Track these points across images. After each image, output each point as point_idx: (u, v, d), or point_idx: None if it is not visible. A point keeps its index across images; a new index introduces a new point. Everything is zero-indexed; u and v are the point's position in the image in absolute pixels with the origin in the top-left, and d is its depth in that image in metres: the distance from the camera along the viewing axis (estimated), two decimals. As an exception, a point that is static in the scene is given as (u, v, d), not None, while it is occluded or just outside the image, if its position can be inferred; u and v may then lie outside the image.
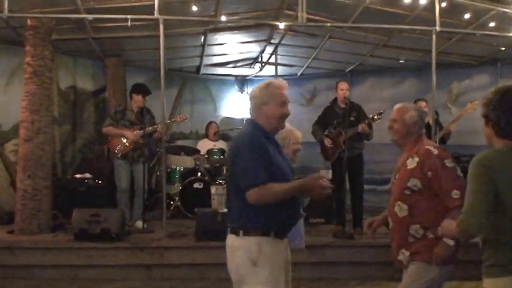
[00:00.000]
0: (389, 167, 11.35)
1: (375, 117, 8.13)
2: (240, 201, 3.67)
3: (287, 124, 5.16)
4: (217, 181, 9.35)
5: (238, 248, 3.71)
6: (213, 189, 8.57)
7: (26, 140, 8.06)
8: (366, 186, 8.89)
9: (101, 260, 7.30)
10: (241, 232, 3.69)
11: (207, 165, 9.90)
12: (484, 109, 3.22)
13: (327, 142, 8.32)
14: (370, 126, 8.15)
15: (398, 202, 4.11)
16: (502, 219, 3.04)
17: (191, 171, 9.89)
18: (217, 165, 9.87)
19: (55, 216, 8.45)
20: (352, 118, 8.21)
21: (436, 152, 4.08)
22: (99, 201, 8.55)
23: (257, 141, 3.68)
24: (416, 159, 4.11)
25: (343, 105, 8.35)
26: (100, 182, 9.19)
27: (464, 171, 9.45)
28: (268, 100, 3.77)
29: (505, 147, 3.14)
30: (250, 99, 3.88)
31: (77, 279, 7.37)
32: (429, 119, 8.65)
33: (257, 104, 3.82)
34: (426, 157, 4.06)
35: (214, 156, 9.91)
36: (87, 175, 9.36)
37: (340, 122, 8.29)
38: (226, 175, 9.65)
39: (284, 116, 3.84)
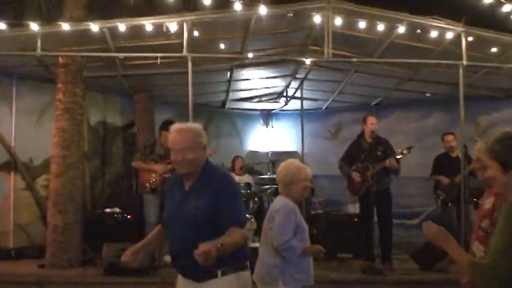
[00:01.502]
0: (418, 201, 11.41)
1: (404, 151, 8.10)
2: None
3: (294, 160, 5.20)
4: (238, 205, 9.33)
5: None
6: (241, 224, 8.56)
7: (57, 175, 8.19)
8: (394, 221, 8.81)
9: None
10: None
11: (234, 200, 9.92)
12: (503, 157, 3.04)
13: (356, 176, 8.30)
14: (398, 161, 8.12)
15: (476, 242, 3.87)
16: None
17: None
18: (244, 199, 9.87)
19: (84, 251, 8.51)
20: (379, 153, 8.20)
21: None
22: (128, 235, 8.57)
23: (165, 186, 4.10)
24: (493, 200, 3.87)
25: (370, 140, 8.35)
26: (129, 216, 9.26)
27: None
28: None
29: None
30: None
31: (106, 314, 7.42)
32: (458, 153, 8.65)
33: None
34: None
35: (241, 191, 9.93)
36: (117, 209, 9.43)
37: (367, 157, 8.28)
38: (252, 209, 9.68)
39: (174, 163, 3.79)
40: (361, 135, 8.56)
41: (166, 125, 8.88)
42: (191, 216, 3.63)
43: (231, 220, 3.61)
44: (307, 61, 8.79)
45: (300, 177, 4.80)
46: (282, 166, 4.93)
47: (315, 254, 4.87)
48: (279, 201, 4.91)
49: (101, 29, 7.44)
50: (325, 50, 7.80)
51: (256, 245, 8.11)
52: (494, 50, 8.29)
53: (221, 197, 3.63)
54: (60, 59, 8.25)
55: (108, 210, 9.53)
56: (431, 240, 3.25)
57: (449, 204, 8.99)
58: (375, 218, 8.51)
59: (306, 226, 4.84)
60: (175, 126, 3.85)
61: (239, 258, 3.66)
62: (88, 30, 7.45)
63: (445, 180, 9.02)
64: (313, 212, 10.25)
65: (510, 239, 2.88)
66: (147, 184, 8.51)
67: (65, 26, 7.35)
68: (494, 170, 3.08)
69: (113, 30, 7.56)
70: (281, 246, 4.60)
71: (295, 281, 4.67)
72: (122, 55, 8.25)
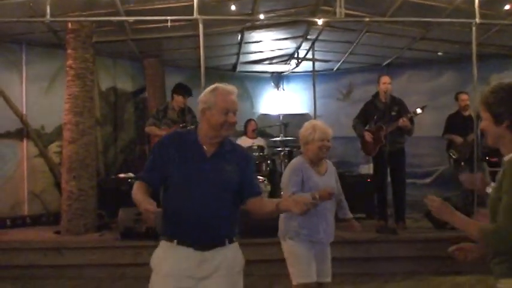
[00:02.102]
0: (429, 161, 11.41)
1: (417, 110, 8.05)
2: None
3: (316, 120, 5.19)
4: (258, 178, 9.36)
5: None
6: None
7: (71, 142, 8.22)
8: (407, 180, 8.81)
9: (148, 258, 7.26)
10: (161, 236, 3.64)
11: (247, 163, 9.91)
12: (496, 108, 2.98)
13: (368, 137, 8.28)
14: (411, 121, 8.08)
15: None
16: None
17: (231, 169, 9.91)
18: (257, 162, 9.87)
19: (100, 216, 8.59)
20: (393, 113, 8.13)
21: None
22: (143, 200, 8.62)
23: (163, 140, 3.70)
24: None
25: (384, 100, 8.30)
26: (143, 181, 9.27)
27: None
28: (212, 106, 3.54)
29: None
30: (198, 103, 3.67)
31: (124, 278, 7.48)
32: (471, 112, 8.60)
33: (201, 108, 3.61)
34: None
35: (254, 154, 9.90)
36: (130, 174, 9.47)
37: (381, 117, 8.23)
38: (266, 172, 9.68)
39: (227, 124, 3.54)
40: (376, 96, 8.49)
41: (178, 89, 8.88)
42: (224, 181, 3.58)
43: (257, 190, 3.79)
44: (319, 21, 8.69)
45: (315, 136, 4.80)
46: (303, 126, 4.98)
47: (324, 198, 4.70)
48: (294, 159, 5.10)
49: (110, -8, 7.38)
50: (337, 10, 7.74)
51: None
52: (507, 7, 8.18)
53: (248, 168, 3.73)
54: (70, 25, 8.21)
55: (122, 175, 9.58)
56: (435, 215, 3.14)
57: (462, 163, 8.99)
58: (389, 178, 8.51)
59: (321, 185, 4.79)
60: (226, 88, 3.58)
61: (239, 227, 3.73)
62: (97, -5, 7.39)
63: (458, 139, 9.01)
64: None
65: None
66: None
67: (74, -9, 7.29)
68: (488, 122, 3.03)
69: (123, -6, 7.50)
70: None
71: (299, 236, 4.77)
72: (131, 19, 8.19)
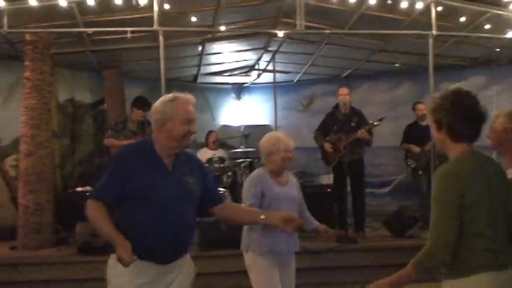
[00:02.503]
0: (387, 170, 11.53)
1: (375, 123, 8.17)
2: None
3: (277, 132, 5.21)
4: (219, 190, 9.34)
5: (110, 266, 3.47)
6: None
7: (27, 155, 8.06)
8: (365, 190, 8.92)
9: (106, 272, 7.26)
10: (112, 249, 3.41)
11: (208, 174, 9.87)
12: (436, 115, 3.09)
13: (328, 147, 8.37)
14: (370, 132, 8.19)
15: None
16: (472, 226, 2.94)
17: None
18: (218, 173, 9.85)
19: (57, 231, 8.42)
20: (353, 124, 8.24)
21: None
22: (101, 213, 8.51)
23: (122, 155, 3.51)
24: None
25: (344, 111, 8.39)
26: (101, 194, 9.14)
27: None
28: (173, 116, 3.46)
29: (466, 154, 3.05)
30: (153, 113, 3.57)
31: (82, 293, 7.37)
32: (428, 122, 8.72)
33: (159, 118, 3.51)
34: None
35: (215, 165, 9.88)
36: (88, 188, 9.32)
37: (341, 128, 8.33)
38: (226, 183, 9.67)
39: (189, 134, 3.51)
40: (336, 107, 8.60)
41: (137, 102, 8.80)
42: (188, 193, 3.54)
43: (221, 197, 3.87)
44: (280, 33, 8.76)
45: (279, 148, 4.82)
46: (264, 138, 4.98)
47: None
48: (254, 172, 5.09)
49: (69, 3, 7.28)
50: (298, 22, 7.78)
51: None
52: (462, 19, 8.32)
53: (207, 176, 3.77)
54: (27, 36, 8.07)
55: (79, 189, 9.42)
56: None
57: (420, 172, 9.14)
58: (348, 188, 8.60)
59: (279, 194, 4.85)
60: (185, 98, 3.52)
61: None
62: (56, 6, 7.28)
63: (415, 148, 9.18)
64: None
65: (438, 210, 2.96)
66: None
67: (32, 2, 7.15)
68: (433, 128, 3.14)
69: (81, 5, 7.41)
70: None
71: (261, 247, 4.73)
72: (90, 30, 8.12)
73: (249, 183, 4.90)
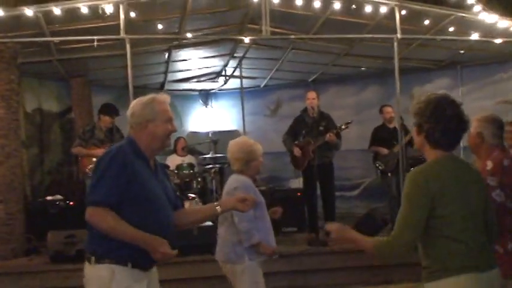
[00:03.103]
0: (357, 173, 11.67)
1: (343, 126, 8.25)
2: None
3: (246, 137, 5.24)
4: (189, 196, 9.37)
5: (91, 278, 3.32)
6: (186, 204, 8.59)
7: (-3, 165, 8.01)
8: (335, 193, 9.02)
9: (79, 280, 7.10)
10: (93, 259, 3.29)
11: (178, 181, 9.86)
12: (417, 118, 3.15)
13: (297, 151, 8.43)
14: (338, 135, 8.26)
15: None
16: (448, 229, 3.01)
17: (162, 188, 9.87)
18: (187, 179, 9.87)
19: (28, 240, 8.38)
20: (321, 127, 8.31)
21: None
22: (72, 222, 8.44)
23: (121, 157, 3.33)
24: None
25: (312, 115, 8.46)
26: (72, 203, 9.13)
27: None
28: (155, 117, 3.47)
29: (443, 158, 3.12)
30: (131, 117, 3.53)
31: (55, 302, 7.33)
32: (395, 124, 8.88)
33: (140, 121, 3.48)
34: None
35: (184, 171, 9.90)
36: (59, 197, 9.29)
37: (309, 132, 8.39)
38: (196, 189, 9.70)
39: (170, 133, 3.55)
40: (305, 111, 8.66)
41: (105, 109, 8.81)
42: (169, 197, 3.57)
43: (181, 203, 3.90)
44: (246, 39, 8.80)
45: (257, 153, 4.87)
46: (237, 145, 4.93)
47: (274, 215, 5.01)
48: (236, 180, 4.92)
49: (35, 13, 7.23)
50: (263, 28, 7.85)
51: (203, 224, 8.18)
52: (426, 22, 8.46)
53: (170, 181, 3.82)
54: (-7, 46, 8.04)
55: (50, 198, 9.37)
56: (336, 240, 3.39)
57: (389, 174, 9.24)
58: (318, 191, 8.67)
59: (263, 201, 4.90)
60: (163, 98, 3.56)
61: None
62: (21, 15, 7.25)
63: (383, 150, 9.25)
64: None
65: (405, 207, 3.04)
66: (88, 170, 8.40)
67: (-2, 12, 7.15)
68: (414, 130, 3.23)
69: (48, 14, 7.36)
70: (243, 229, 4.68)
71: (260, 255, 4.76)
72: (57, 39, 8.07)
73: (246, 192, 4.73)
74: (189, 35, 8.68)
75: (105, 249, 3.27)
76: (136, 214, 3.29)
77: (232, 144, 4.96)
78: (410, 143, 8.90)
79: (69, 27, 8.00)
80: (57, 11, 7.26)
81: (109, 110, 8.73)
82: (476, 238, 3.04)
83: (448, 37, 8.75)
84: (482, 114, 4.27)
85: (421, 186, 3.00)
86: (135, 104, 3.55)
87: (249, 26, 8.93)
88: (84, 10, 7.33)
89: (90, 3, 7.32)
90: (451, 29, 8.60)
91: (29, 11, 7.21)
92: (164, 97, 3.58)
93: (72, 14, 7.45)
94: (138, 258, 3.29)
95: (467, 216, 3.02)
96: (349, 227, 3.34)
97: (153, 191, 3.41)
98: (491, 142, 4.21)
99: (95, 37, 7.80)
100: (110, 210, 3.22)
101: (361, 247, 3.20)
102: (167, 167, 9.94)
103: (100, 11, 7.40)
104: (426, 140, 3.13)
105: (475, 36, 8.57)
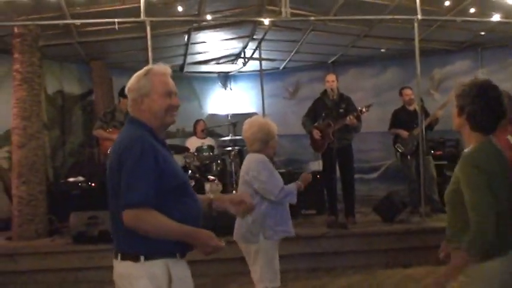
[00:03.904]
0: (375, 156, 11.66)
1: (363, 109, 8.19)
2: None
3: (260, 117, 5.25)
4: (209, 178, 9.43)
5: (140, 277, 2.95)
6: (207, 186, 8.67)
7: (20, 147, 8.12)
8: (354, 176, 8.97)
9: (102, 261, 7.25)
10: (142, 257, 2.95)
11: (197, 163, 9.93)
12: (460, 100, 3.22)
13: (316, 134, 8.39)
14: (358, 118, 8.21)
15: None
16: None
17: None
18: (207, 162, 9.92)
19: (51, 221, 8.49)
20: (341, 110, 8.27)
21: None
22: (94, 203, 8.53)
23: (149, 147, 2.96)
24: None
25: (332, 97, 8.43)
26: (93, 184, 9.23)
27: (450, 155, 9.55)
28: (150, 90, 3.07)
29: (486, 142, 3.18)
30: (128, 93, 3.15)
31: (78, 282, 7.46)
32: (415, 106, 8.83)
33: (136, 97, 3.10)
34: None
35: (204, 154, 9.95)
36: (80, 178, 9.39)
37: (328, 114, 8.36)
38: (216, 171, 9.75)
39: (172, 108, 3.11)
40: (324, 93, 8.60)
41: (124, 92, 8.84)
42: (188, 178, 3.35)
43: None
44: (266, 21, 8.79)
45: (275, 132, 4.92)
46: (256, 124, 4.95)
47: (306, 181, 5.06)
48: (253, 159, 4.95)
49: (56, -4, 7.32)
50: (283, 10, 7.85)
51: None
52: (447, 3, 8.40)
53: None
54: (16, 29, 8.10)
55: (71, 179, 9.48)
56: None
57: (409, 157, 9.19)
58: (338, 174, 8.66)
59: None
60: (161, 69, 3.15)
61: None
62: (43, -2, 7.32)
63: (404, 133, 9.18)
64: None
65: (475, 194, 3.04)
66: (110, 151, 8.44)
67: (21, -5, 7.21)
68: (455, 111, 3.27)
69: (69, -3, 7.45)
70: (280, 195, 4.76)
71: (277, 233, 4.82)
72: (78, 22, 8.14)
73: (269, 169, 4.86)
74: (208, 17, 8.70)
75: (153, 246, 2.94)
76: (176, 207, 3.00)
77: (250, 124, 4.98)
78: (430, 125, 8.88)
79: (90, 10, 8.06)
80: (78, -7, 7.31)
81: None
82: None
83: (469, 18, 8.67)
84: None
85: (481, 168, 3.06)
86: (132, 78, 3.16)
87: (268, 7, 8.93)
88: (105, -8, 7.38)
89: (111, -15, 7.36)
90: (472, 10, 8.51)
91: (50, -6, 7.26)
92: (163, 68, 3.15)
93: (92, -3, 7.51)
94: (182, 247, 3.04)
95: (508, 199, 3.10)
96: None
97: (182, 177, 3.13)
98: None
99: (116, 20, 7.84)
100: (151, 210, 2.89)
101: (460, 266, 3.12)
102: (187, 149, 10.02)
103: (120, -6, 7.45)
104: (468, 122, 3.20)
105: (496, 17, 8.49)
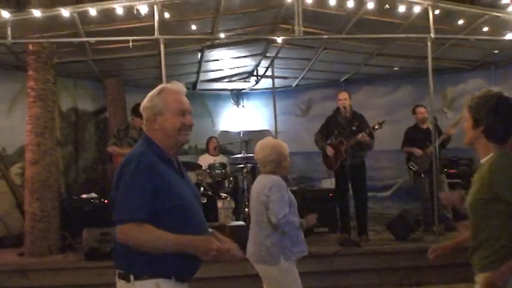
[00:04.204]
0: (388, 174, 11.61)
1: (376, 126, 8.22)
2: None
3: (272, 138, 5.26)
4: (221, 195, 9.42)
5: None
6: (219, 203, 8.67)
7: (33, 163, 8.15)
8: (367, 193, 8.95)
9: (114, 278, 7.22)
10: (131, 277, 2.92)
11: (210, 180, 9.95)
12: (475, 113, 3.21)
13: (329, 151, 8.41)
14: (371, 135, 8.23)
15: None
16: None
17: (194, 187, 9.95)
18: (219, 179, 9.93)
19: (63, 237, 8.51)
20: (354, 127, 8.29)
21: None
22: (106, 220, 8.50)
23: (145, 165, 2.93)
24: None
25: (345, 115, 8.44)
26: (106, 201, 9.24)
27: (463, 174, 9.52)
28: (163, 109, 3.08)
29: (503, 152, 3.18)
30: (142, 112, 3.17)
31: (89, 298, 7.45)
32: (428, 125, 8.82)
33: (149, 115, 3.11)
34: None
35: (216, 171, 9.97)
36: (93, 194, 9.42)
37: (341, 131, 8.38)
38: (228, 189, 9.75)
39: (185, 127, 3.10)
40: (337, 110, 8.64)
41: (137, 109, 8.87)
42: (199, 199, 3.33)
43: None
44: (279, 39, 8.84)
45: (287, 153, 4.93)
46: (267, 146, 4.96)
47: (310, 222, 5.11)
48: (269, 180, 4.94)
49: (71, 13, 7.35)
50: (296, 28, 7.84)
51: (235, 223, 8.24)
52: (460, 22, 8.39)
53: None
54: (31, 46, 8.18)
55: (84, 196, 9.51)
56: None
57: (422, 175, 9.16)
58: (350, 192, 8.64)
59: (295, 201, 4.99)
60: (175, 87, 3.15)
61: None
62: (58, 16, 7.36)
63: (417, 151, 9.14)
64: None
65: None
66: (117, 168, 8.46)
67: (36, 13, 7.25)
68: (468, 123, 3.26)
69: (83, 15, 7.48)
70: (281, 221, 4.72)
71: (295, 254, 4.83)
72: (92, 40, 8.19)
73: (282, 193, 4.85)
74: (222, 35, 8.73)
75: (145, 264, 2.90)
76: (172, 225, 2.93)
77: (263, 146, 4.99)
78: (443, 143, 8.84)
79: (104, 28, 8.11)
80: (92, 11, 7.37)
81: (140, 111, 8.79)
82: None
83: (482, 37, 8.65)
84: None
85: None
86: (146, 97, 3.18)
87: (281, 25, 8.97)
88: (119, 11, 7.44)
89: (125, 3, 7.41)
90: (485, 28, 8.50)
91: (65, 12, 7.32)
92: (177, 87, 3.16)
93: (107, 15, 7.57)
94: (181, 270, 2.99)
95: None
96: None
97: (184, 197, 3.05)
98: None
99: (130, 37, 7.89)
100: (143, 224, 2.86)
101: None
102: (199, 166, 10.03)
103: (135, 12, 7.49)
104: (485, 134, 3.19)
105: (509, 36, 8.46)
